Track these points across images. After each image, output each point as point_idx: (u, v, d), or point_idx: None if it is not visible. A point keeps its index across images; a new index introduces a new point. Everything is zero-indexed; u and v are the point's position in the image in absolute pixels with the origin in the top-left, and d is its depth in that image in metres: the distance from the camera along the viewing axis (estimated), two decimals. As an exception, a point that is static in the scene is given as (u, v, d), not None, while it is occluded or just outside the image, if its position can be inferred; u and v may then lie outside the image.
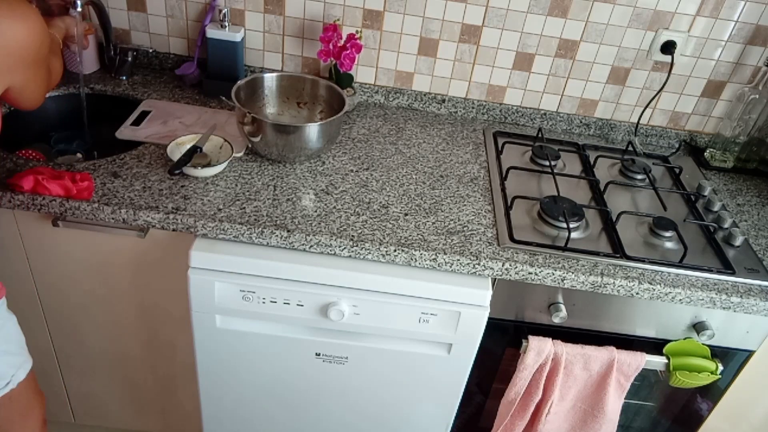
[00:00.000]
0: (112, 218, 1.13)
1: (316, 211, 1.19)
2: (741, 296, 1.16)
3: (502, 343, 1.29)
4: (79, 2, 1.30)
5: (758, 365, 1.31)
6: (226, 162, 1.23)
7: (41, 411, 1.15)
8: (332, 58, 1.46)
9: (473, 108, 1.63)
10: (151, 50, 1.58)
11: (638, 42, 1.51)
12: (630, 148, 1.59)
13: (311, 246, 1.14)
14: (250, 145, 1.31)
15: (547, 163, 1.45)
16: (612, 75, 1.56)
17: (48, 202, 1.11)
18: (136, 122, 1.38)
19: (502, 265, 1.14)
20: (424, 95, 1.62)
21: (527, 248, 1.18)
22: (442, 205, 1.27)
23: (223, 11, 1.44)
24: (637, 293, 1.17)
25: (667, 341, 1.26)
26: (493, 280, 1.19)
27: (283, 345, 1.24)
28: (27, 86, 0.99)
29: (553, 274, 1.15)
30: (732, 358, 1.29)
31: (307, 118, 1.46)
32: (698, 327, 1.23)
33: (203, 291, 1.16)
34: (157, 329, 1.36)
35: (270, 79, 1.41)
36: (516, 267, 1.14)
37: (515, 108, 1.62)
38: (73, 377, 1.49)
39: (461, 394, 1.32)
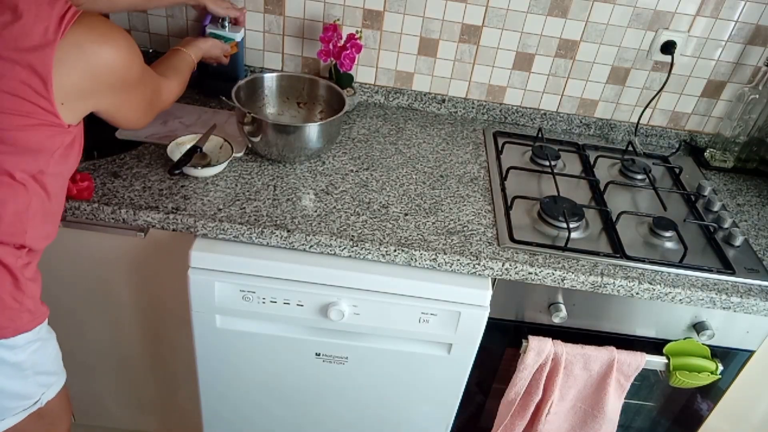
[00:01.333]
0: (112, 218, 1.13)
1: (316, 211, 1.19)
2: (741, 296, 1.16)
3: (502, 343, 1.29)
4: (79, 2, 1.31)
5: (758, 365, 1.31)
6: (226, 162, 1.23)
7: (67, 425, 1.14)
8: (332, 58, 1.46)
9: (473, 108, 1.63)
10: (150, 50, 1.58)
11: (638, 42, 1.51)
12: (630, 148, 1.59)
13: (311, 246, 1.14)
14: (250, 145, 1.31)
15: (547, 163, 1.45)
16: (612, 75, 1.56)
17: (48, 202, 1.11)
18: (136, 122, 1.38)
19: (502, 265, 1.14)
20: (424, 95, 1.62)
21: (527, 248, 1.18)
22: (442, 205, 1.27)
23: (223, 11, 1.44)
24: (637, 293, 1.17)
25: (667, 341, 1.26)
26: (493, 280, 1.19)
27: (283, 345, 1.24)
28: (119, 110, 0.99)
29: (553, 274, 1.15)
30: (732, 358, 1.29)
31: (306, 118, 1.46)
32: (698, 327, 1.23)
33: (203, 291, 1.16)
34: (157, 329, 1.36)
35: (270, 79, 1.41)
36: (516, 267, 1.14)
37: (515, 108, 1.62)
38: (73, 377, 1.48)
39: (461, 394, 1.32)
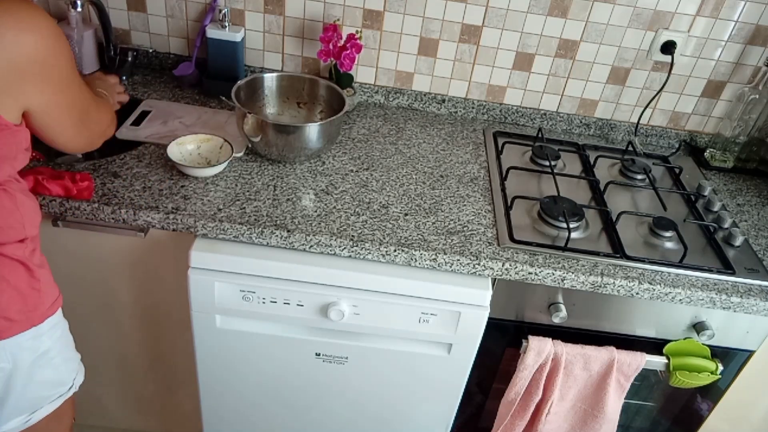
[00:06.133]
0: (112, 218, 1.13)
1: (316, 211, 1.19)
2: (741, 296, 1.16)
3: (502, 343, 1.29)
4: (79, 2, 1.31)
5: (758, 365, 1.31)
6: (226, 162, 1.23)
7: (72, 415, 1.15)
8: (332, 58, 1.46)
9: (473, 108, 1.63)
10: (151, 50, 1.58)
11: (638, 42, 1.51)
12: (630, 148, 1.59)
13: (311, 246, 1.14)
14: (250, 145, 1.31)
15: (547, 163, 1.45)
16: (612, 75, 1.56)
17: (48, 202, 1.11)
18: (136, 122, 1.38)
19: (502, 265, 1.14)
20: (424, 95, 1.62)
21: (527, 248, 1.18)
22: (442, 205, 1.27)
23: (223, 11, 1.44)
24: (637, 293, 1.17)
25: (667, 341, 1.26)
26: (493, 280, 1.19)
27: (283, 345, 1.24)
28: (50, 112, 0.90)
29: (553, 274, 1.15)
30: (732, 358, 1.29)
31: (306, 118, 1.46)
32: (698, 327, 1.23)
33: (203, 291, 1.16)
34: (157, 329, 1.36)
35: (270, 79, 1.41)
36: (516, 267, 1.14)
37: (515, 108, 1.62)
38: (73, 377, 1.49)
39: (461, 394, 1.32)
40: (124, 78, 1.54)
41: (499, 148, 1.50)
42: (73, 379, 1.06)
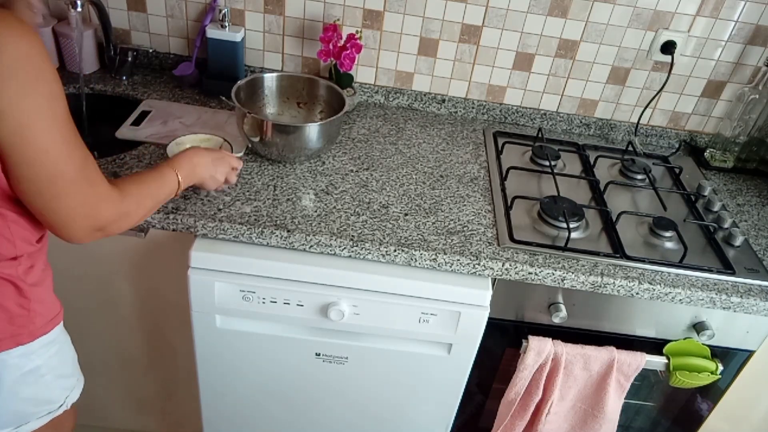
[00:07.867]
0: (112, 218, 1.13)
1: (316, 211, 1.19)
2: (741, 296, 1.16)
3: (502, 343, 1.29)
4: (79, 2, 1.31)
5: (758, 365, 1.31)
6: (226, 162, 1.23)
7: (73, 421, 1.14)
8: (332, 58, 1.46)
9: (473, 108, 1.63)
10: (151, 50, 1.58)
11: (638, 42, 1.51)
12: (630, 148, 1.59)
13: (311, 246, 1.14)
14: (250, 145, 1.31)
15: (547, 163, 1.45)
16: (612, 75, 1.56)
17: (48, 202, 1.11)
18: (136, 122, 1.38)
19: (502, 265, 1.14)
20: (424, 95, 1.62)
21: (527, 248, 1.18)
22: (442, 205, 1.27)
23: (223, 11, 1.44)
24: (637, 293, 1.17)
25: (667, 341, 1.26)
26: (493, 280, 1.19)
27: (283, 345, 1.24)
28: (11, 153, 0.75)
29: (553, 274, 1.15)
30: (732, 358, 1.29)
31: (306, 118, 1.46)
32: (698, 327, 1.23)
33: (203, 291, 1.16)
34: (157, 329, 1.36)
35: (270, 79, 1.41)
36: (516, 267, 1.14)
37: (515, 108, 1.62)
38: (73, 377, 1.49)
39: (461, 394, 1.32)
40: (124, 78, 1.54)
41: (499, 148, 1.50)
42: (65, 398, 1.03)
